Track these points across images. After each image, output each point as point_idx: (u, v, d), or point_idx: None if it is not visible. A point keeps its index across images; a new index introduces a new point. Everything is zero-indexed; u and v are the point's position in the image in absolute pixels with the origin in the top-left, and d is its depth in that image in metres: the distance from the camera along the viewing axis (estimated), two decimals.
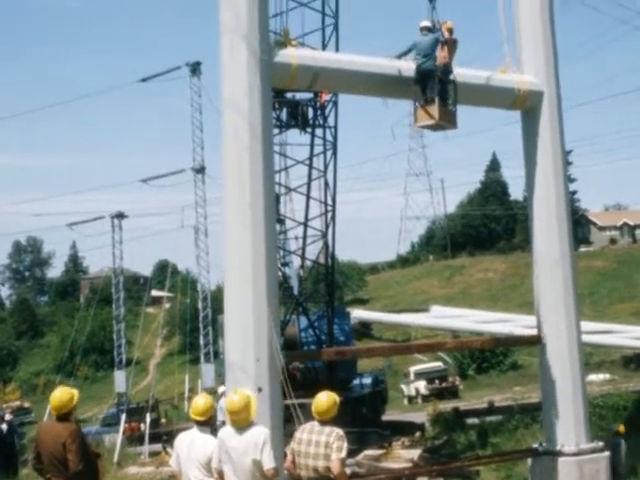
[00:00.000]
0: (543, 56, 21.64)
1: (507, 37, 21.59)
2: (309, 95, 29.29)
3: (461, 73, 20.26)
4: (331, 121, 29.96)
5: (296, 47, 19.41)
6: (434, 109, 19.32)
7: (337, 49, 27.71)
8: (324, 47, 27.74)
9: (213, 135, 66.64)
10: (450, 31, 20.01)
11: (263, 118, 17.82)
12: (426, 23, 19.74)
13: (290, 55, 18.63)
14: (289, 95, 29.46)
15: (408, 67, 19.85)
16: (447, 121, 19.80)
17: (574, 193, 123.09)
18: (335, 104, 29.83)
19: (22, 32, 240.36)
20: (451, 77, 19.78)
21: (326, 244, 30.78)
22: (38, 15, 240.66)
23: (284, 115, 30.03)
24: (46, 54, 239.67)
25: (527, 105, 21.57)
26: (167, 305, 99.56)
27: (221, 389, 29.11)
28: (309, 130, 29.79)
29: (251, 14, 17.81)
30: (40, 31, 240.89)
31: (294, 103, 29.89)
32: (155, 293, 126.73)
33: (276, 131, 28.51)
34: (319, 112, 29.91)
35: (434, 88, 19.35)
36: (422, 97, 19.51)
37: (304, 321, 31.52)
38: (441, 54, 19.72)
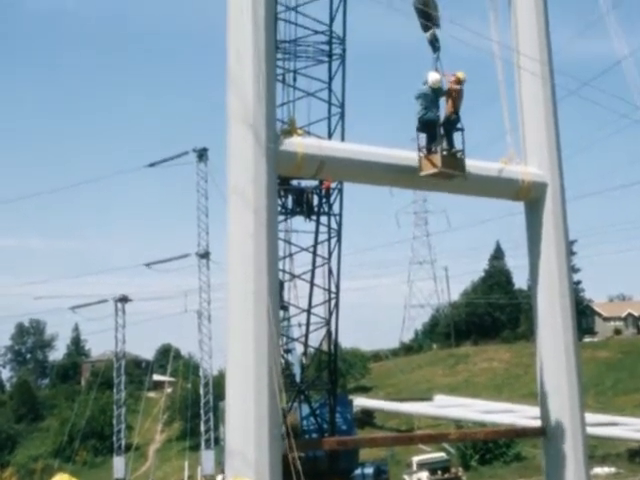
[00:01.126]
0: (546, 148, 21.87)
1: (510, 128, 21.88)
2: (314, 182, 29.53)
3: (467, 164, 20.46)
4: (336, 208, 30.14)
5: (302, 136, 19.66)
6: (437, 158, 19.63)
7: (343, 137, 28.04)
8: (330, 135, 28.07)
9: (218, 220, 66.87)
10: (458, 81, 20.29)
11: (268, 205, 17.97)
12: (436, 77, 20.01)
13: (296, 144, 18.86)
14: (294, 182, 29.70)
15: (412, 157, 20.07)
16: (453, 168, 19.94)
17: (578, 283, 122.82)
18: (340, 192, 30.05)
19: (32, 113, 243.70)
20: (459, 125, 20.07)
21: (329, 332, 30.66)
22: (44, 98, 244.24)
23: (289, 202, 30.23)
24: (53, 136, 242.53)
25: (531, 196, 21.71)
26: (169, 390, 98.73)
27: (219, 478, 28.76)
28: (314, 218, 29.95)
29: (259, 103, 18.09)
30: (47, 113, 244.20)
31: (299, 190, 30.11)
32: (157, 377, 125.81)
33: (281, 218, 28.67)
34: (324, 200, 30.10)
35: (437, 137, 19.66)
36: (426, 147, 19.85)
37: (306, 409, 31.22)
38: (447, 104, 20.11)
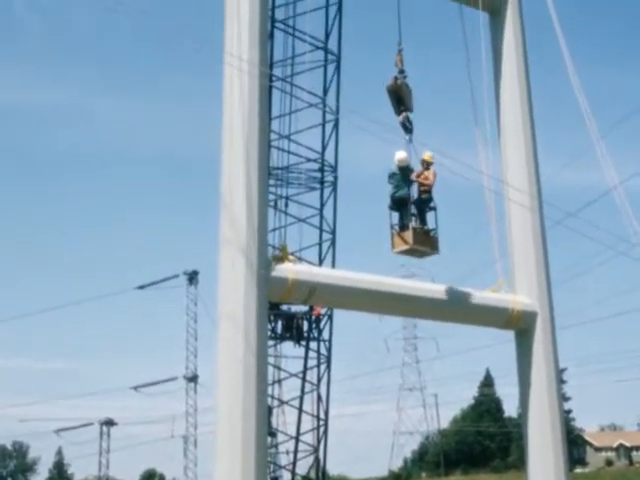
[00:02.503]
0: (536, 277, 21.98)
1: (499, 257, 22.03)
2: (305, 308, 29.57)
3: (457, 291, 20.56)
4: (326, 334, 30.12)
5: (293, 262, 19.75)
6: (408, 235, 19.75)
7: (334, 263, 28.26)
8: (321, 262, 28.27)
9: (207, 343, 66.67)
10: (427, 162, 20.57)
11: (258, 330, 17.93)
12: (403, 155, 20.31)
13: (287, 270, 18.93)
14: (285, 307, 29.74)
15: (403, 285, 20.16)
16: (426, 246, 20.05)
17: (569, 412, 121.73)
18: (330, 318, 30.08)
19: (21, 231, 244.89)
20: (432, 204, 20.28)
21: (317, 459, 30.21)
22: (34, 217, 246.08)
23: (279, 327, 30.22)
24: (41, 257, 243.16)
25: (521, 325, 21.71)
26: None
27: None
28: (303, 343, 29.89)
29: (251, 228, 18.24)
30: (37, 233, 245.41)
31: (289, 316, 30.15)
32: None
33: (271, 343, 28.60)
34: (314, 325, 30.09)
35: (408, 215, 19.86)
36: (398, 224, 20.05)
37: None
38: (420, 182, 20.37)
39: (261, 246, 18.44)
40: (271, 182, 27.00)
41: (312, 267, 22.55)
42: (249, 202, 18.34)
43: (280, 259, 19.15)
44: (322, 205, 29.23)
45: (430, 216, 20.41)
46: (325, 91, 29.46)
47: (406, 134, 20.47)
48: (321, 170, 29.21)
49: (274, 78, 28.29)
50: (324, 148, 29.29)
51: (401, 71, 20.22)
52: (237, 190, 18.51)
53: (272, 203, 27.89)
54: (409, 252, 20.23)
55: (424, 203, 20.30)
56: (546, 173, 23.51)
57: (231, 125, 18.70)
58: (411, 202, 20.04)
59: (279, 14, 29.30)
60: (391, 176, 20.34)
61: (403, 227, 19.99)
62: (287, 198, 29.34)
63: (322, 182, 29.23)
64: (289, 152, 29.06)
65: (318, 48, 29.40)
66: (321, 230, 29.02)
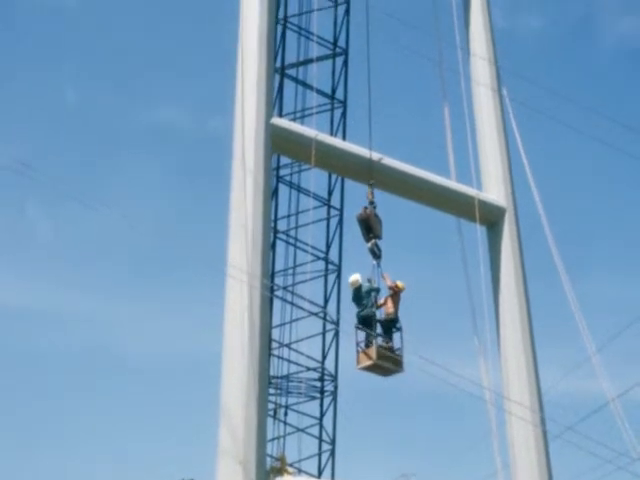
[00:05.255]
0: None
1: (501, 467, 21.62)
2: None
3: None
4: None
5: (292, 474, 19.47)
6: (372, 351, 19.86)
7: (333, 475, 27.79)
8: (320, 473, 27.81)
9: None
10: (394, 290, 20.93)
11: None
12: (354, 277, 20.75)
13: None
14: None
15: None
16: (390, 363, 20.14)
17: None
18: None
19: None
20: (398, 325, 20.55)
21: None
22: None
23: None
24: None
25: None
26: None
27: None
28: None
29: (249, 440, 18.02)
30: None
31: None
32: None
33: None
34: None
35: (372, 332, 20.12)
36: (364, 341, 20.21)
37: None
38: (387, 305, 20.76)
39: (260, 457, 18.14)
40: (271, 391, 26.90)
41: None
42: (248, 412, 18.21)
43: (279, 470, 18.88)
44: (322, 415, 29.04)
45: (397, 336, 20.83)
46: (326, 300, 29.87)
47: (374, 259, 21.13)
48: (321, 379, 29.19)
49: (275, 287, 28.73)
50: (324, 357, 29.38)
51: (371, 202, 21.04)
52: (236, 400, 18.41)
53: (271, 412, 27.67)
54: (373, 368, 20.39)
55: (391, 323, 20.83)
56: (546, 384, 23.48)
57: (232, 334, 18.81)
58: (376, 321, 20.54)
59: (281, 225, 30.18)
60: (352, 298, 21.00)
61: (368, 344, 20.36)
62: (287, 407, 29.16)
63: (322, 391, 29.13)
64: (289, 361, 29.12)
65: (319, 258, 30.04)
66: (320, 440, 28.68)
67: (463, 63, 24.57)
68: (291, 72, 31.40)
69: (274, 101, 24.34)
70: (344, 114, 31.53)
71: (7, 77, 62.94)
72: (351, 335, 20.36)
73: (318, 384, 29.15)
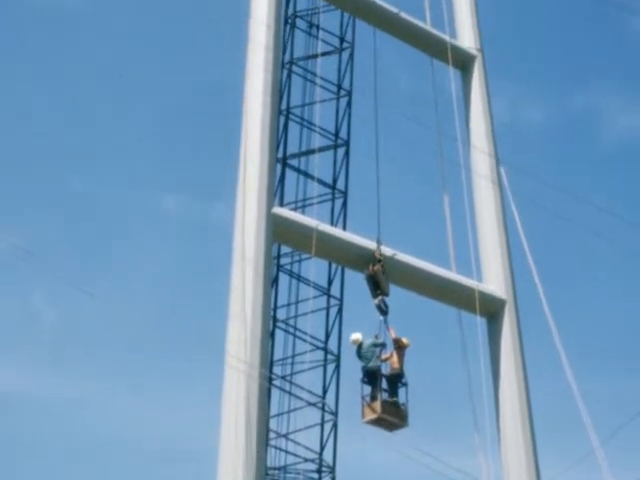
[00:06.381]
0: None
1: None
2: None
3: None
4: None
5: None
6: (377, 404, 20.04)
7: None
8: None
9: None
10: (400, 345, 21.19)
11: None
12: (355, 336, 21.03)
13: None
14: None
15: None
16: (395, 417, 20.27)
17: None
18: None
19: None
20: (403, 380, 20.75)
21: None
22: None
23: None
24: None
25: None
26: None
27: None
28: None
29: None
30: None
31: None
32: None
33: None
34: None
35: (378, 386, 20.30)
36: (370, 395, 20.37)
37: None
38: (392, 359, 21.03)
39: None
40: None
41: None
42: None
43: None
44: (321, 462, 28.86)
45: (402, 391, 20.97)
46: (324, 391, 29.72)
47: (381, 315, 21.42)
48: (319, 471, 28.89)
49: (274, 376, 28.60)
50: (322, 448, 29.09)
51: (379, 260, 21.27)
52: None
53: None
54: (377, 422, 20.46)
55: (396, 378, 21.01)
56: (547, 475, 23.28)
57: (228, 425, 18.59)
58: (381, 376, 20.70)
59: (281, 314, 30.23)
60: (356, 353, 21.18)
61: (373, 398, 20.49)
62: None
63: None
64: (287, 451, 28.83)
65: (318, 348, 30.00)
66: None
67: (464, 155, 24.87)
68: (293, 162, 31.79)
69: (275, 190, 24.53)
70: (345, 204, 31.82)
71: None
72: (350, 426, 20.59)
73: (316, 476, 28.83)
